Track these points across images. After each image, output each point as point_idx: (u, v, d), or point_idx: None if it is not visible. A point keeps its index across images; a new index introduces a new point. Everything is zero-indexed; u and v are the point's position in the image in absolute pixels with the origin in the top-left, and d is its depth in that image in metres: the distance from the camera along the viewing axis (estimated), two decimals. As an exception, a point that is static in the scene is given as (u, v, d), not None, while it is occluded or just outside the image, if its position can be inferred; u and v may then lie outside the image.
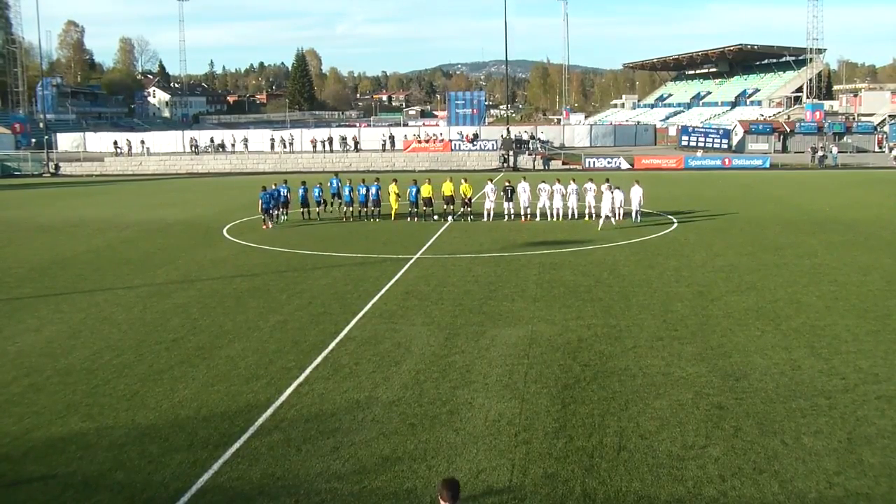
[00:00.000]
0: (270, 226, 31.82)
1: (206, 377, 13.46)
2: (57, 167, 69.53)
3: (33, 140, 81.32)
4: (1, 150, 78.66)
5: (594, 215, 32.26)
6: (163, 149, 77.64)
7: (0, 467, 10.16)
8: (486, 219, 32.76)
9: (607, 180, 33.33)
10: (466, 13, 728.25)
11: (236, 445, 10.63)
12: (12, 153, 76.10)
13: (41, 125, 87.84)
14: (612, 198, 30.68)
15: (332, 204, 35.17)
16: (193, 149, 75.98)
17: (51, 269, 23.62)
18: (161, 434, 11.07)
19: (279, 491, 9.40)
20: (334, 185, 35.36)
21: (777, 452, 10.18)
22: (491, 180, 34.74)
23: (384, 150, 74.14)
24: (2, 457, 10.46)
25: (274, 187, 33.40)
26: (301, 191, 34.06)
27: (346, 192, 33.89)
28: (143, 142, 77.42)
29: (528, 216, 32.86)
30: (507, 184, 34.07)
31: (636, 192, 31.88)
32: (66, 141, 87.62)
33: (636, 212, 31.84)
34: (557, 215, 32.78)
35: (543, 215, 32.84)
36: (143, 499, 9.27)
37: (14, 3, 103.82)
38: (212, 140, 78.05)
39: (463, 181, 33.57)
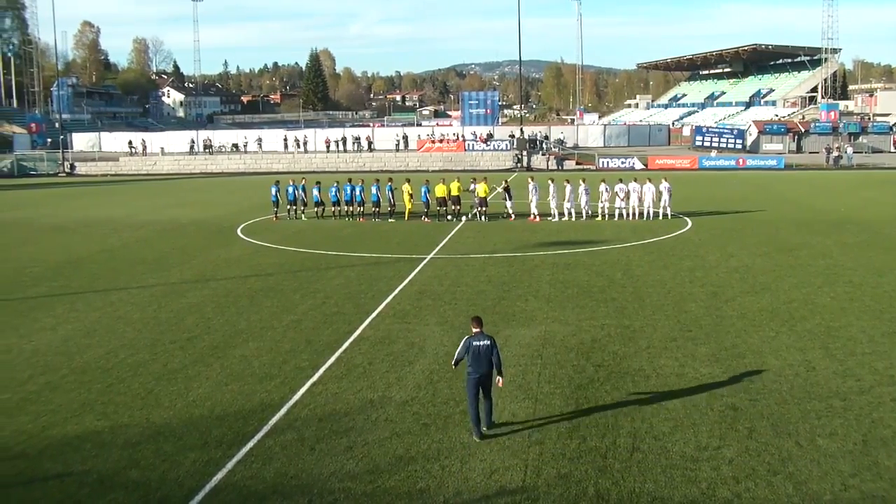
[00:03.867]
0: (275, 219, 34.20)
1: (220, 376, 13.53)
2: (72, 167, 70.12)
3: (49, 140, 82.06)
4: (17, 149, 79.52)
5: (608, 216, 32.49)
6: (176, 148, 78.00)
7: (17, 465, 10.25)
8: (508, 215, 33.01)
9: (620, 180, 33.35)
10: (480, 13, 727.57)
11: (250, 444, 10.68)
12: (28, 153, 76.91)
13: (57, 125, 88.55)
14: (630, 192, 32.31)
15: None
16: (207, 149, 76.25)
17: (66, 269, 23.82)
18: (175, 433, 11.14)
19: (293, 490, 9.43)
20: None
21: (791, 454, 10.12)
22: (506, 181, 34.84)
23: (398, 150, 74.24)
24: (18, 454, 10.56)
25: (292, 183, 35.02)
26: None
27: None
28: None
29: (539, 216, 32.76)
30: (505, 183, 34.36)
31: (649, 190, 32.21)
32: (81, 141, 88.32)
33: (649, 210, 32.20)
34: (570, 215, 32.75)
35: (557, 214, 32.78)
36: (158, 497, 9.33)
37: (30, 3, 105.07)
38: (210, 144, 78.02)
39: (483, 181, 33.54)
